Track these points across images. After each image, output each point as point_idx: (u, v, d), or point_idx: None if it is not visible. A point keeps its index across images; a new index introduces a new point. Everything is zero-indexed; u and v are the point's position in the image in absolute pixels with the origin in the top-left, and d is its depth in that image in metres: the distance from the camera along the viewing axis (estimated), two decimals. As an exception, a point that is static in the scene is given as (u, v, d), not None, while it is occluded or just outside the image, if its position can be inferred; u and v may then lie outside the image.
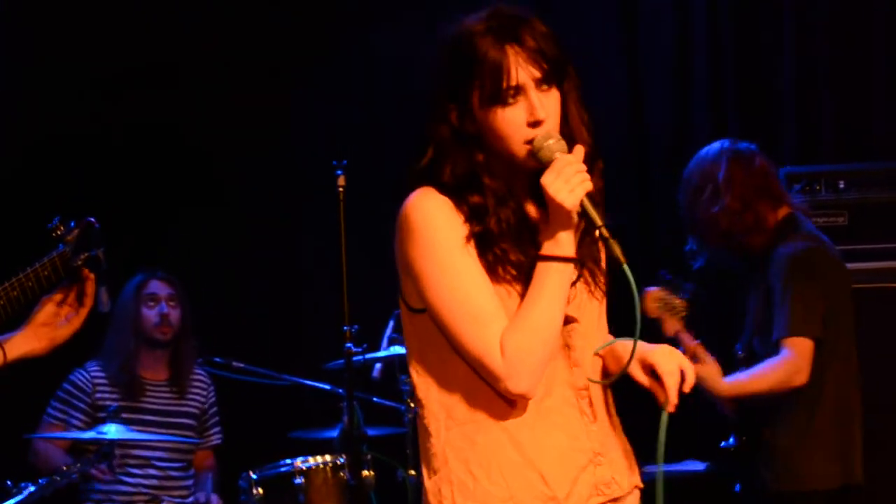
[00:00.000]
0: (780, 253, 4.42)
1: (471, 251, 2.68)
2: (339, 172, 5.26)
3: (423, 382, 2.77)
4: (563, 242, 2.67)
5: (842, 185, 5.26)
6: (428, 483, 2.75)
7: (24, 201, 6.04)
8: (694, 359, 4.33)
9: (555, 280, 2.66)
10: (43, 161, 6.30)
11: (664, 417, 2.77)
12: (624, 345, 2.84)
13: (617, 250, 2.65)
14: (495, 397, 2.69)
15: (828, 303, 4.39)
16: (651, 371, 2.81)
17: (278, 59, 6.75)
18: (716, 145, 4.59)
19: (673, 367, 2.79)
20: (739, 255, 4.53)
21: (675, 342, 4.37)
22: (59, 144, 6.34)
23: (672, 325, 4.48)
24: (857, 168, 5.32)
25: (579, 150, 2.68)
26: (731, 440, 4.47)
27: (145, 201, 6.52)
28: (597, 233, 2.66)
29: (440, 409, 2.73)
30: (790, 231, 4.48)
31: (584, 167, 2.65)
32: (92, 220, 3.62)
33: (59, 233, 3.50)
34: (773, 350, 4.35)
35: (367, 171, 5.76)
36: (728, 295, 5.63)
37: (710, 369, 4.37)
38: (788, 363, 4.32)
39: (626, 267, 2.65)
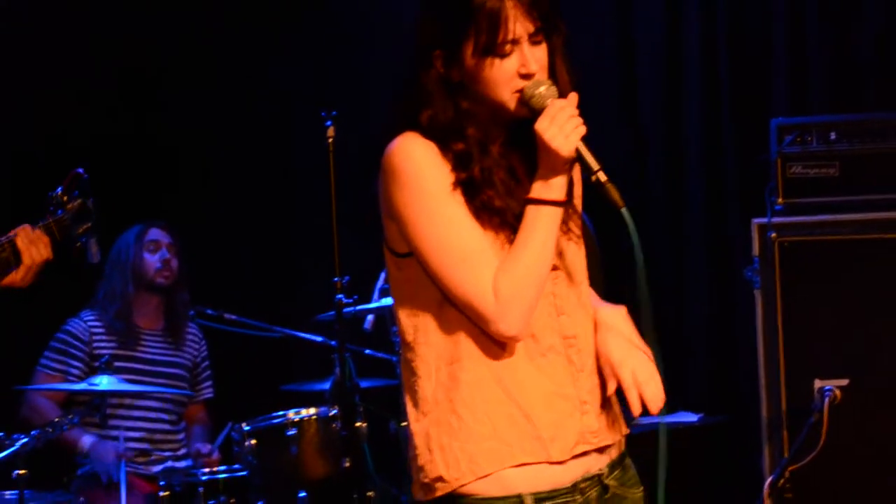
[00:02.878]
0: None
1: (458, 197, 2.68)
2: (328, 123, 5.24)
3: (411, 325, 2.75)
4: (555, 186, 2.67)
5: (833, 137, 5.24)
6: (416, 426, 2.74)
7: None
8: None
9: (545, 223, 2.66)
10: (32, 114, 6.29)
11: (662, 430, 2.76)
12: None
13: (615, 194, 2.66)
14: (481, 338, 2.69)
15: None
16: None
17: (264, 9, 6.73)
18: None
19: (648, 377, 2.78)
20: None
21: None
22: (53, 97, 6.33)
23: None
24: (849, 119, 5.30)
25: (573, 96, 2.69)
26: None
27: (135, 155, 6.50)
28: (594, 178, 2.66)
29: (429, 350, 2.72)
30: None
31: (576, 112, 2.66)
32: (80, 171, 3.61)
33: (61, 200, 3.51)
34: None
35: (357, 121, 5.73)
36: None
37: None
38: None
39: (624, 211, 2.66)
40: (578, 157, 2.66)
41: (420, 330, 2.74)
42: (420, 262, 2.70)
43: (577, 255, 2.83)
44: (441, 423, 2.70)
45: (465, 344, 2.70)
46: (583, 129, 2.65)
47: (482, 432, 2.67)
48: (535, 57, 2.69)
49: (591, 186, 2.72)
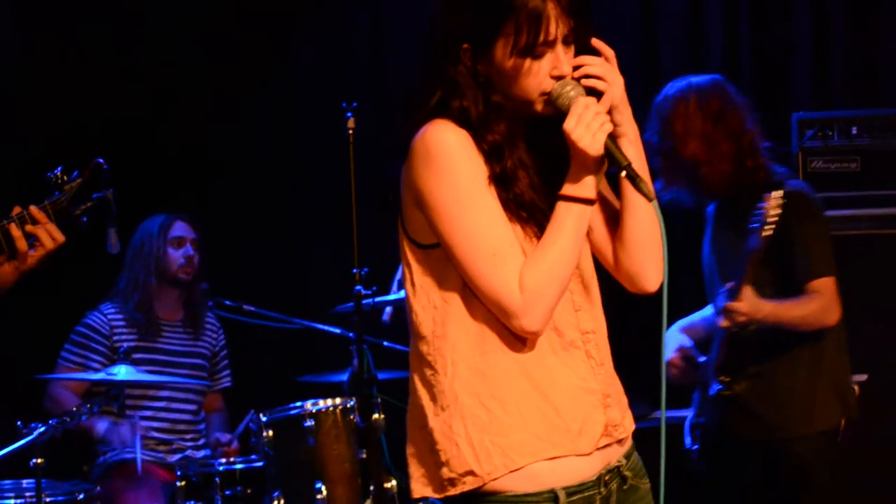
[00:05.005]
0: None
1: (491, 189, 2.68)
2: (348, 115, 5.23)
3: (429, 318, 2.74)
4: (586, 185, 2.68)
5: (854, 131, 5.23)
6: (434, 421, 2.72)
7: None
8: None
9: (574, 221, 2.67)
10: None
11: None
12: None
13: (645, 188, 2.66)
14: (506, 332, 2.69)
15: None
16: None
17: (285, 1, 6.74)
18: (679, 81, 4.50)
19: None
20: (703, 192, 4.43)
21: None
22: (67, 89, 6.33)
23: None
24: (870, 114, 5.29)
25: (607, 99, 2.68)
26: (718, 386, 4.38)
27: (153, 146, 6.50)
28: (623, 173, 2.66)
29: (446, 344, 2.71)
30: (774, 171, 4.42)
31: (602, 108, 2.66)
32: (101, 161, 3.60)
33: (58, 181, 3.49)
34: (796, 291, 4.27)
35: (377, 112, 5.73)
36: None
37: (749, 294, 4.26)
38: (820, 303, 4.24)
39: (655, 204, 2.67)
40: (607, 154, 2.66)
41: (438, 323, 2.73)
42: (446, 251, 2.68)
43: (586, 251, 2.84)
44: (467, 417, 2.69)
45: (490, 337, 2.69)
46: (609, 127, 2.65)
47: (513, 425, 2.67)
48: (567, 58, 2.70)
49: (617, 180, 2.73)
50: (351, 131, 5.23)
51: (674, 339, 4.59)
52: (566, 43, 2.69)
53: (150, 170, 6.32)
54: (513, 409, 2.68)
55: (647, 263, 2.85)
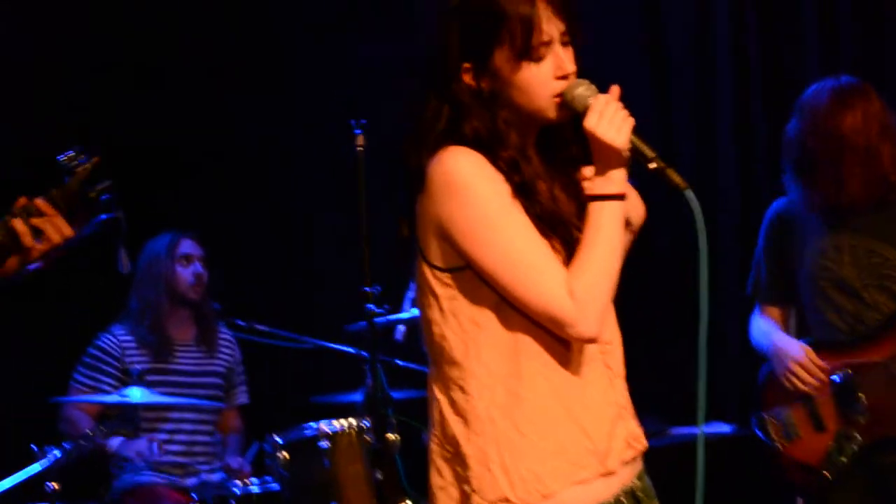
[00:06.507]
0: None
1: (516, 205, 2.66)
2: (357, 132, 5.22)
3: (460, 341, 2.70)
4: (615, 180, 2.67)
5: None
6: (467, 447, 2.68)
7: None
8: None
9: (610, 218, 2.66)
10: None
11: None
12: None
13: (676, 178, 2.66)
14: (540, 353, 2.67)
15: None
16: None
17: (295, 17, 6.72)
18: (838, 83, 4.33)
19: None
20: (837, 204, 4.28)
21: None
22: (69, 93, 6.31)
23: None
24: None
25: (615, 90, 2.69)
26: None
27: (162, 165, 6.49)
28: (651, 165, 2.66)
29: (480, 367, 2.68)
30: None
31: (621, 104, 2.67)
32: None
33: (70, 163, 3.39)
34: None
35: (387, 130, 5.71)
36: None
37: None
38: None
39: (689, 192, 2.66)
40: (633, 148, 2.65)
41: (471, 346, 2.70)
42: (484, 274, 2.65)
43: None
44: (501, 442, 2.66)
45: (525, 360, 2.67)
46: (632, 120, 2.65)
47: (548, 450, 2.66)
48: (569, 57, 2.70)
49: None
50: (360, 148, 5.21)
51: (790, 343, 4.48)
52: (563, 44, 2.70)
53: (158, 190, 6.31)
54: (548, 434, 2.66)
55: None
